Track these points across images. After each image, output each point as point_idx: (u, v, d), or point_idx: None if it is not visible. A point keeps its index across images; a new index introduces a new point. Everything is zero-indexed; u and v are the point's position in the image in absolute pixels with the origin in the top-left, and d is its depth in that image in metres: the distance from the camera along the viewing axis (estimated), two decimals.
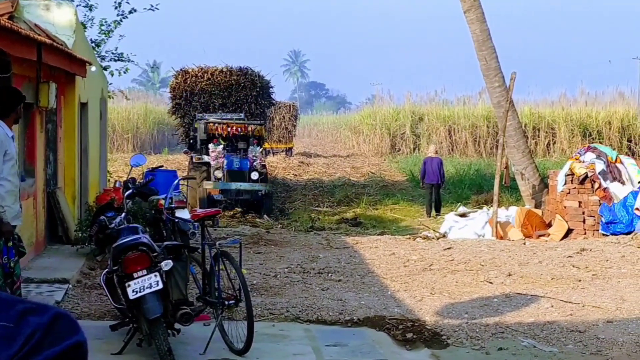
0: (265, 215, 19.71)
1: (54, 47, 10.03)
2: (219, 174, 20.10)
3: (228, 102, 26.45)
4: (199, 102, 26.45)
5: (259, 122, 23.19)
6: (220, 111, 25.45)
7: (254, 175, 20.23)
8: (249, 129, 21.33)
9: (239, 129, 21.23)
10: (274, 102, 29.28)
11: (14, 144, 6.60)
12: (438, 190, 21.35)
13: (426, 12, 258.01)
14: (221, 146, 20.45)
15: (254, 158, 20.56)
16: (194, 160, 21.29)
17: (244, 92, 26.67)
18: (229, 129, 21.15)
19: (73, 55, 11.11)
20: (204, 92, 26.55)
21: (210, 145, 20.55)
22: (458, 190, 24.59)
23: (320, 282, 9.98)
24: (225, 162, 20.26)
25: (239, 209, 19.99)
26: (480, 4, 17.47)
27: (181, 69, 27.39)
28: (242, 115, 24.68)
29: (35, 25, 10.94)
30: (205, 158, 20.78)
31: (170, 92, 27.80)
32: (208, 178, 20.36)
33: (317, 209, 22.31)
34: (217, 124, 21.39)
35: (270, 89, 27.90)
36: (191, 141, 23.88)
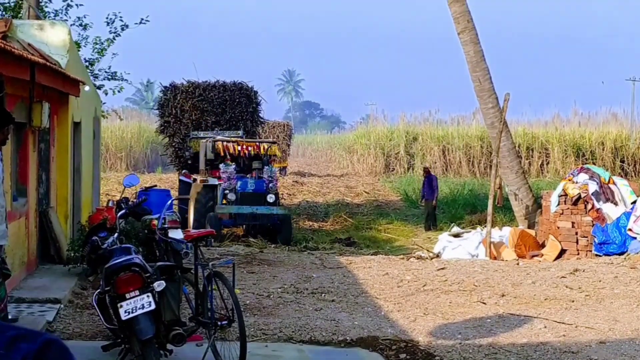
0: (259, 235, 18.57)
1: (47, 67, 10.03)
2: (232, 196, 18.61)
3: (222, 120, 24.84)
4: (190, 119, 24.76)
5: (271, 140, 22.31)
6: (213, 129, 24.00)
7: (270, 198, 18.66)
8: (262, 147, 20.11)
9: (250, 148, 19.95)
10: (262, 120, 27.15)
11: (1, 165, 6.59)
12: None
13: (421, 33, 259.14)
14: (233, 166, 19.06)
15: (270, 179, 19.14)
16: (198, 181, 19.69)
17: (239, 108, 25.05)
18: (240, 147, 19.88)
19: (66, 75, 11.11)
20: (196, 108, 24.81)
21: (221, 166, 19.04)
22: (452, 210, 24.63)
23: (314, 302, 9.96)
24: (239, 183, 18.82)
25: (252, 239, 18.22)
26: (474, 25, 17.56)
27: (170, 84, 25.56)
28: (241, 132, 23.35)
29: (29, 44, 10.95)
30: (210, 180, 19.35)
31: (159, 109, 25.96)
32: (214, 203, 19.02)
33: (310, 228, 22.28)
34: (226, 142, 20.08)
35: (258, 106, 25.98)
36: (179, 159, 22.89)
